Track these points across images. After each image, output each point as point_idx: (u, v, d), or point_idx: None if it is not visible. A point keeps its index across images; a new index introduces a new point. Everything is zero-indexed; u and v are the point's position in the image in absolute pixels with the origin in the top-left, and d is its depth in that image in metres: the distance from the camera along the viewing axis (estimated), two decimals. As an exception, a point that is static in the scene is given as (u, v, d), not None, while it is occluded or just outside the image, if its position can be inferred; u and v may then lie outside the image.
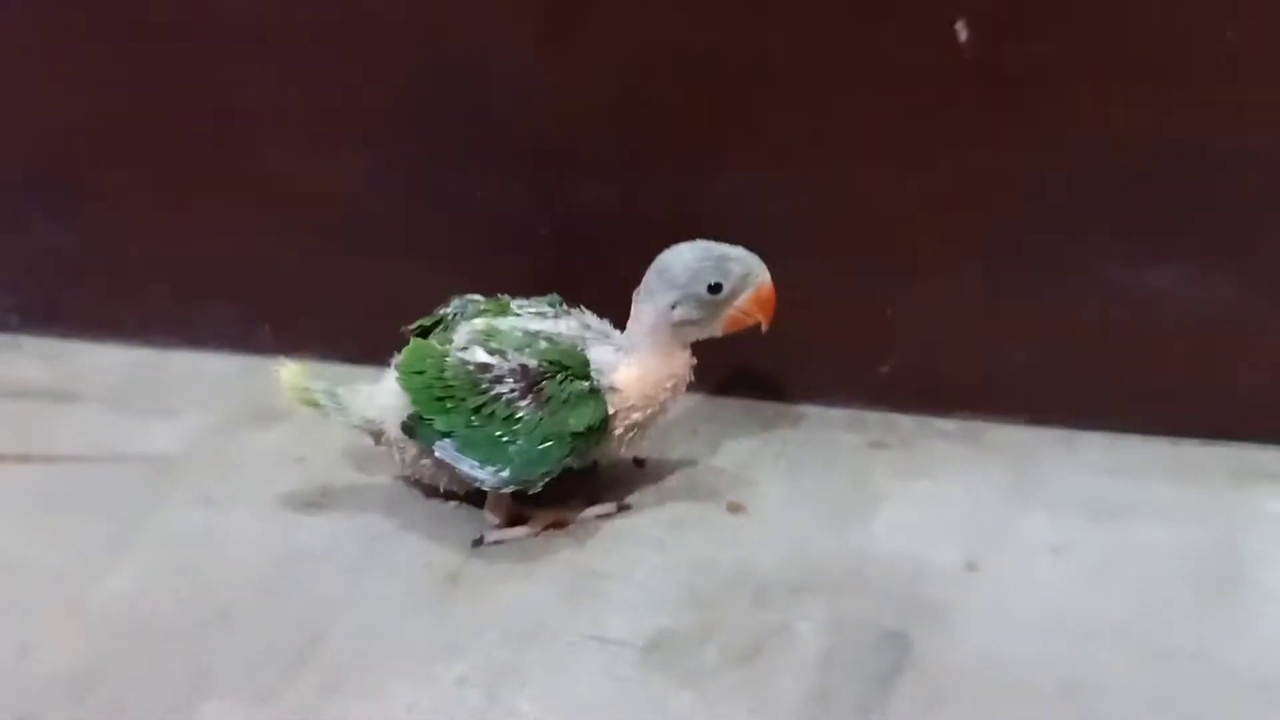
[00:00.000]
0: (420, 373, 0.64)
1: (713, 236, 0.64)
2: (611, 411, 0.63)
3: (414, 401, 0.63)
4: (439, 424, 0.63)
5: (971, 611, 0.61)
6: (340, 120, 0.78)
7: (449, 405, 0.62)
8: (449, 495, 0.69)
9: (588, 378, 0.63)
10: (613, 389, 0.63)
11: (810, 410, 0.78)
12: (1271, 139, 0.65)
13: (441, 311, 0.69)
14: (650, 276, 0.64)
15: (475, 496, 0.68)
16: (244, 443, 0.77)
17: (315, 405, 0.66)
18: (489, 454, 0.62)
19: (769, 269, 0.63)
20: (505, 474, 0.62)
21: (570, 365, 0.63)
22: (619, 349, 0.65)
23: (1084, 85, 0.66)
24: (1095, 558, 0.64)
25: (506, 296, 0.69)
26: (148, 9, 0.77)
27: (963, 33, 0.66)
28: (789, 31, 0.69)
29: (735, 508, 0.70)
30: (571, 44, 0.72)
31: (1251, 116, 0.65)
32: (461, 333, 0.65)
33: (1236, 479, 0.70)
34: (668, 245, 0.64)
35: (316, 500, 0.71)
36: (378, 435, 0.67)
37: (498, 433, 0.62)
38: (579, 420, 0.62)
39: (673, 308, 0.62)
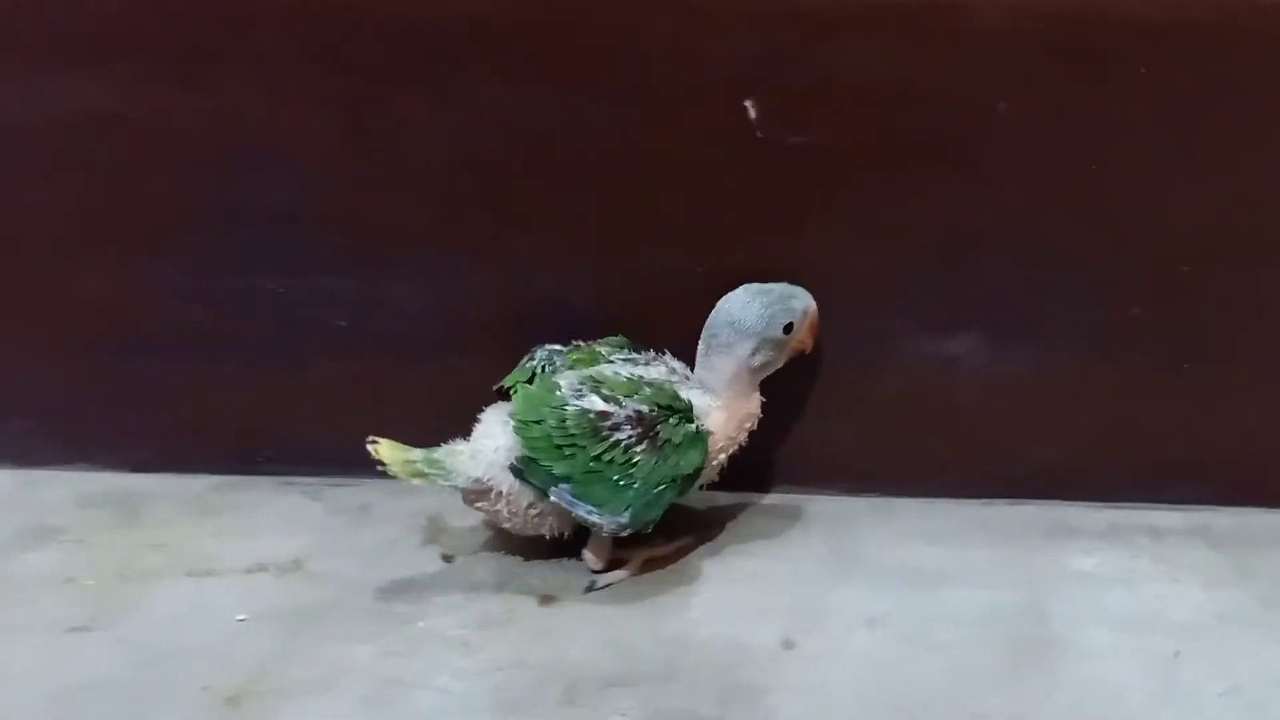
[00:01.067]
0: (539, 422, 0.63)
1: (524, 322, 0.67)
2: (708, 452, 0.65)
3: (533, 450, 0.63)
4: (558, 470, 0.63)
5: (789, 692, 0.58)
6: (117, 225, 0.74)
7: (568, 452, 0.62)
8: (554, 540, 0.68)
9: (693, 420, 0.65)
10: (708, 431, 0.65)
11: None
12: (1048, 224, 0.68)
13: (528, 364, 0.69)
14: (720, 330, 0.66)
15: (576, 539, 0.68)
16: (18, 563, 0.70)
17: (422, 476, 0.64)
18: (606, 499, 0.63)
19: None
20: (624, 518, 0.63)
21: (680, 409, 0.64)
22: (704, 392, 0.66)
23: (869, 171, 0.68)
24: (910, 628, 0.63)
25: (587, 344, 0.69)
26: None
27: (752, 110, 0.67)
28: (581, 127, 0.69)
29: (547, 600, 0.66)
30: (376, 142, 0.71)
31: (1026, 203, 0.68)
32: (567, 382, 0.65)
33: (1047, 537, 0.72)
34: (479, 340, 0.66)
35: (88, 624, 0.64)
36: (483, 492, 0.65)
37: (615, 477, 0.62)
38: (689, 462, 0.64)
39: (752, 354, 0.65)
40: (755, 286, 0.66)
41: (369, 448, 0.64)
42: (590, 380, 0.65)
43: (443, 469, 0.65)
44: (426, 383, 0.74)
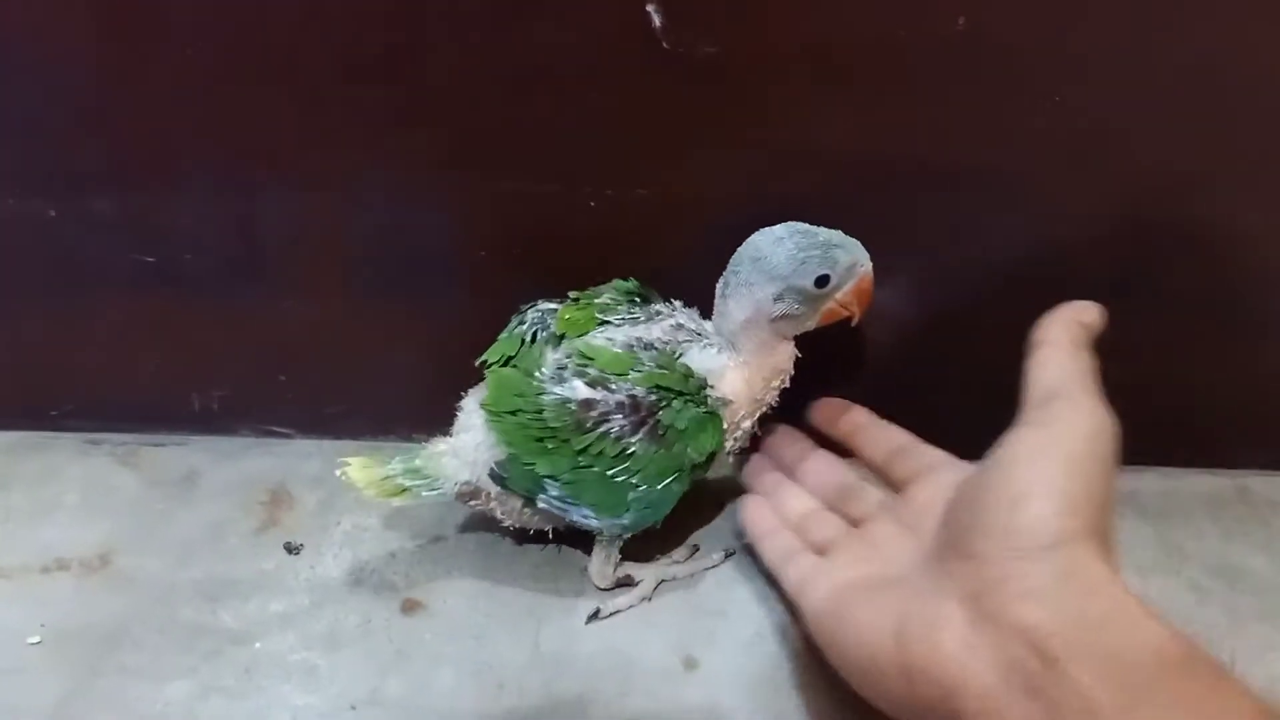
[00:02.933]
0: (513, 413, 0.51)
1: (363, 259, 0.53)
2: (725, 427, 0.53)
3: (510, 446, 0.51)
4: (540, 468, 0.51)
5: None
6: None
7: (550, 446, 0.51)
8: (558, 537, 0.58)
9: (703, 401, 0.52)
10: (723, 401, 0.53)
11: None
12: (995, 157, 0.58)
13: (517, 330, 0.55)
14: (744, 265, 0.52)
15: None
16: None
17: (404, 492, 0.53)
18: (602, 498, 0.52)
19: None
20: (625, 520, 0.53)
21: (684, 390, 0.52)
22: (720, 350, 0.54)
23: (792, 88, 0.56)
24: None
25: (582, 296, 0.56)
26: None
27: (656, 17, 0.53)
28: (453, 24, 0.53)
29: (412, 606, 0.57)
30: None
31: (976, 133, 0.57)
32: (552, 359, 0.53)
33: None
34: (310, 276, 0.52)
35: None
36: (475, 493, 0.55)
37: (609, 472, 0.51)
38: (698, 449, 0.52)
39: (775, 301, 0.52)
40: (798, 225, 0.52)
41: (337, 473, 0.53)
42: (578, 356, 0.52)
43: (426, 478, 0.54)
44: (257, 324, 0.62)
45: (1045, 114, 0.56)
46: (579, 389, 0.51)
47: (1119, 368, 0.64)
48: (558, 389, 0.51)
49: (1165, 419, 0.67)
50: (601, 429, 0.50)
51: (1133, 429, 0.67)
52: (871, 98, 0.55)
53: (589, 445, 0.51)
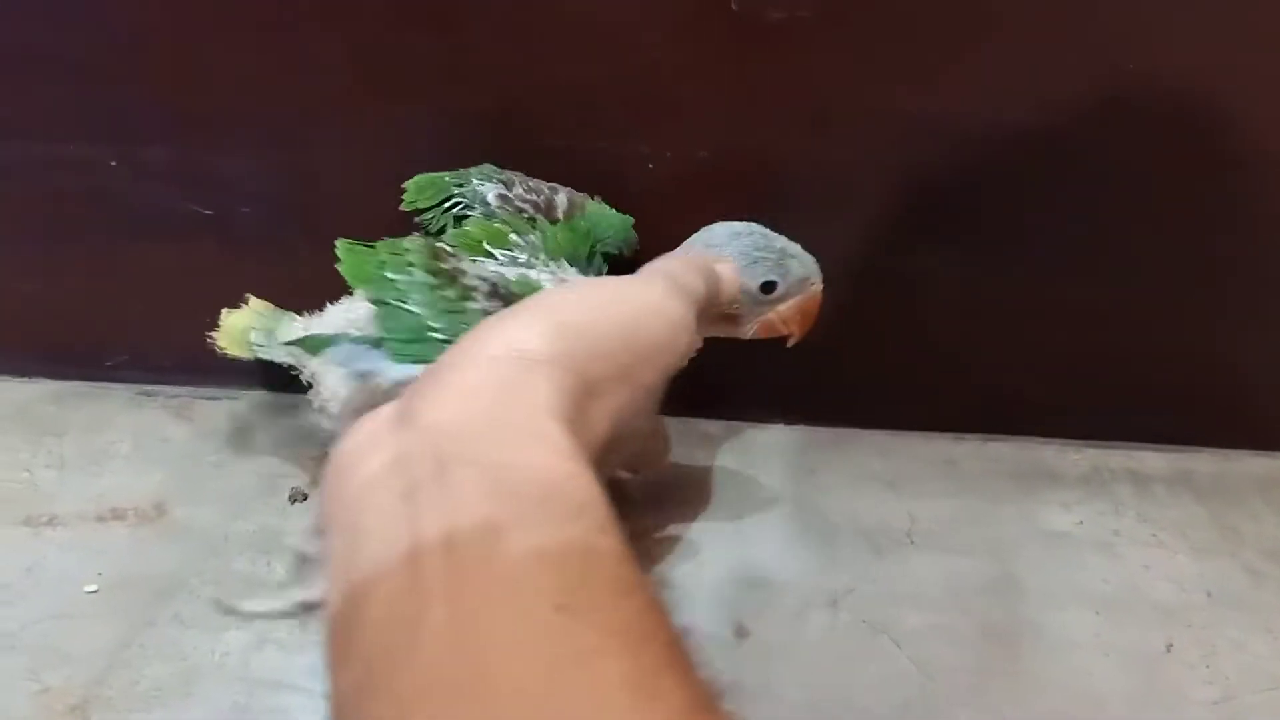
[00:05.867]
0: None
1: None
2: None
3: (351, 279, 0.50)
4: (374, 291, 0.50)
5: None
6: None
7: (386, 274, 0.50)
8: None
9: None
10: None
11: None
12: (1054, 125, 0.56)
13: (455, 190, 0.55)
14: (695, 244, 0.50)
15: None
16: None
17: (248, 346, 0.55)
18: (410, 328, 0.49)
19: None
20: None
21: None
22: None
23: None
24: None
25: (524, 203, 0.54)
26: None
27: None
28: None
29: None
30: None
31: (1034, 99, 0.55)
32: (420, 252, 0.50)
33: (1021, 483, 0.64)
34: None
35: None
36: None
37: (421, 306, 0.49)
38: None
39: None
40: (761, 227, 0.51)
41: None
42: (443, 274, 0.50)
43: (268, 333, 0.55)
44: (312, 278, 0.61)
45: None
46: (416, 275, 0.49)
47: (1174, 349, 0.64)
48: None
49: (1220, 400, 0.67)
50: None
51: (1187, 410, 0.67)
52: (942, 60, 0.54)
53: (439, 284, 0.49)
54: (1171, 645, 0.54)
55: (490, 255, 0.52)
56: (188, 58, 0.54)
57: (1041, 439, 0.67)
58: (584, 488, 0.29)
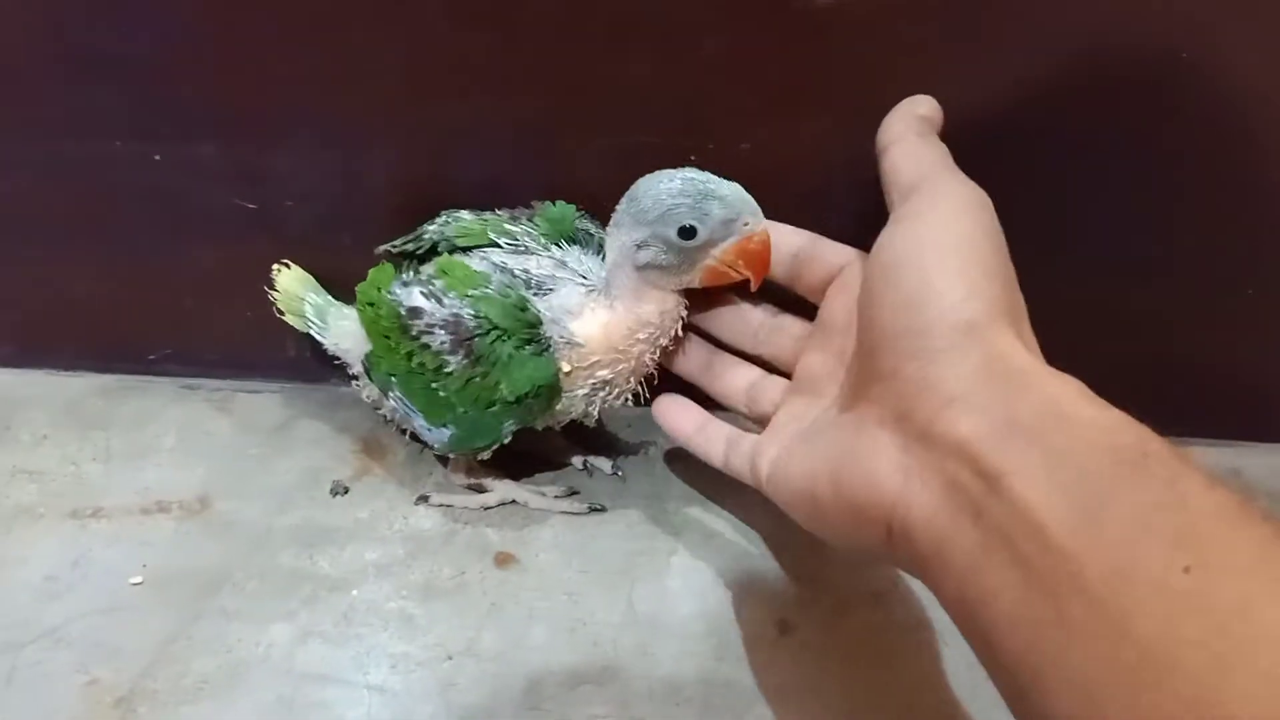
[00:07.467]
0: (371, 305, 0.54)
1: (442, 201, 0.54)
2: (568, 369, 0.51)
3: (367, 335, 0.55)
4: (383, 363, 0.54)
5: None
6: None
7: (392, 344, 0.53)
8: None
9: (529, 340, 0.51)
10: (572, 343, 0.51)
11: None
12: (1099, 119, 0.55)
13: (426, 229, 0.55)
14: (622, 203, 0.50)
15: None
16: None
17: (300, 317, 0.59)
18: (430, 408, 0.53)
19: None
20: (448, 435, 0.54)
21: (505, 326, 0.50)
22: (590, 290, 0.52)
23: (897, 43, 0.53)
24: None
25: (499, 214, 0.55)
26: None
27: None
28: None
29: (504, 560, 0.57)
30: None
31: (1082, 89, 0.54)
32: (429, 266, 0.54)
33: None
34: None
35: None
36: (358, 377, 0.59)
37: (433, 384, 0.52)
38: (513, 385, 0.51)
39: (638, 248, 0.49)
40: (696, 172, 0.48)
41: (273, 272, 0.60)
42: (438, 270, 0.52)
43: (322, 324, 0.59)
44: (356, 275, 0.61)
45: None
46: (414, 296, 0.52)
47: (1224, 344, 0.63)
48: (399, 292, 0.52)
49: (1273, 395, 0.65)
50: (424, 339, 0.51)
51: (1237, 405, 0.65)
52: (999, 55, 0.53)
53: (411, 351, 0.52)
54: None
55: (495, 245, 0.53)
56: (239, 54, 0.54)
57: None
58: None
